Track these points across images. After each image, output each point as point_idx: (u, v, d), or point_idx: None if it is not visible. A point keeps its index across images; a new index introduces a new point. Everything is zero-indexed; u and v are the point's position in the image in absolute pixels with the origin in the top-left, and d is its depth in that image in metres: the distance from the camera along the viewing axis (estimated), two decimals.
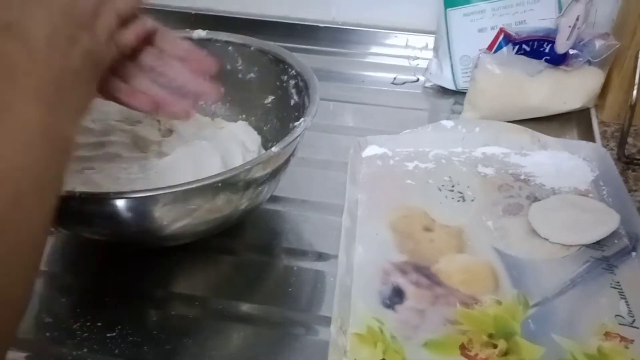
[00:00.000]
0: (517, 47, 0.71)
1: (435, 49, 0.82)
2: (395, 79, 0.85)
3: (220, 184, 0.46)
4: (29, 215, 0.32)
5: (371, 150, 0.67)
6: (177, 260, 0.56)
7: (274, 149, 0.49)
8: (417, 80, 0.84)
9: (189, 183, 0.45)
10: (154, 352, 0.47)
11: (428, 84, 0.83)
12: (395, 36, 0.91)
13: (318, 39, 0.92)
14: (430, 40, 0.87)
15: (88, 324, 0.49)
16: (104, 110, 0.59)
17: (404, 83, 0.84)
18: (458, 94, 0.80)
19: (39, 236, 0.34)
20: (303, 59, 0.61)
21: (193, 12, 0.95)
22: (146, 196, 0.45)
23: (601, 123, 0.75)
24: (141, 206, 0.47)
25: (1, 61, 0.34)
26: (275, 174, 0.52)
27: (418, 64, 0.88)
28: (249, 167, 0.48)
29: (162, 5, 0.94)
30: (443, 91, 0.82)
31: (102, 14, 0.39)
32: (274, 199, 0.61)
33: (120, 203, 0.45)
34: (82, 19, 0.38)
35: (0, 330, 0.30)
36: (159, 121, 0.62)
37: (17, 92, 0.33)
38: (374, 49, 0.91)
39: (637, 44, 0.71)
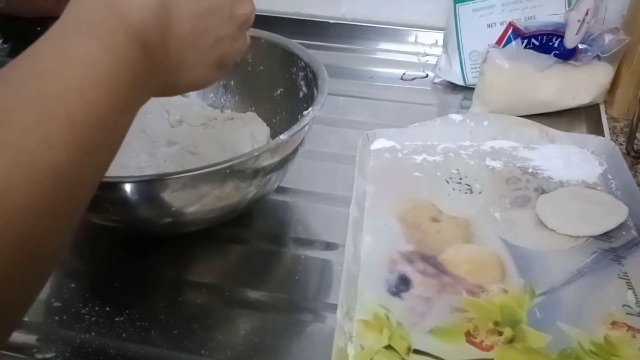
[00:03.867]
0: (526, 41, 0.71)
1: (445, 45, 0.82)
2: (404, 74, 0.85)
3: (228, 170, 0.47)
4: None
5: (379, 144, 0.67)
6: (186, 248, 0.56)
7: (282, 137, 0.49)
8: (427, 76, 0.85)
9: (197, 169, 0.46)
10: (161, 337, 0.48)
11: (437, 80, 0.83)
12: (405, 33, 0.91)
13: (328, 36, 0.92)
14: (439, 36, 0.87)
15: (97, 308, 0.50)
16: None
17: (413, 79, 0.84)
18: (467, 90, 0.80)
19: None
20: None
21: None
22: (155, 181, 0.46)
23: (610, 118, 0.75)
24: (150, 191, 0.47)
25: None
26: (283, 163, 0.53)
27: (427, 60, 0.88)
28: (257, 153, 0.48)
29: None
30: (452, 87, 0.82)
31: None
32: (282, 190, 0.61)
33: (129, 188, 0.46)
34: None
35: None
36: (168, 112, 0.63)
37: None
38: (383, 46, 0.91)
39: None
